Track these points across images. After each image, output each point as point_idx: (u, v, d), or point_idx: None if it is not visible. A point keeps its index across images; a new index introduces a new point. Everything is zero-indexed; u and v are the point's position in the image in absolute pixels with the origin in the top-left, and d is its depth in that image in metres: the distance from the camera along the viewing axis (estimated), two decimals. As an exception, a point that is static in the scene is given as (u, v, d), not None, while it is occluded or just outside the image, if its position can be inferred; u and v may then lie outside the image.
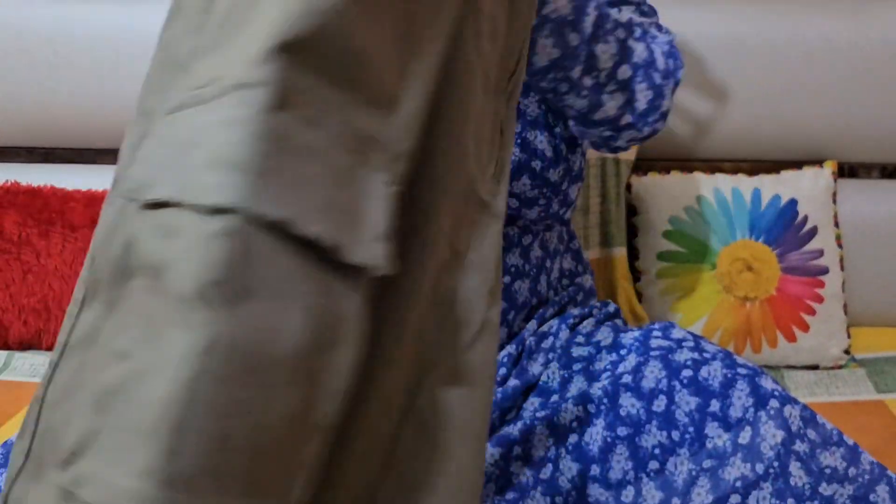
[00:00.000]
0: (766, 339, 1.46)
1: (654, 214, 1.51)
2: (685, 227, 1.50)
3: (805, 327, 1.47)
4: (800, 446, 0.95)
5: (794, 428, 0.96)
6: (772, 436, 0.95)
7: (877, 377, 1.44)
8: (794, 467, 0.96)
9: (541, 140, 1.08)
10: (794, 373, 1.46)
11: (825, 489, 0.95)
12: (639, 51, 1.04)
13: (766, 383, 0.98)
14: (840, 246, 1.52)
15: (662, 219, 1.50)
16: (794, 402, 0.98)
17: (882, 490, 0.99)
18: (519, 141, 1.08)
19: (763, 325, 1.46)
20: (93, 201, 1.53)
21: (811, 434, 0.98)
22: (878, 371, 1.46)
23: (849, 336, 1.50)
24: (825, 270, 1.49)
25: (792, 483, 0.95)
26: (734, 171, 1.56)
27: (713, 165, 1.58)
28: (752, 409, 0.96)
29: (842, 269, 1.51)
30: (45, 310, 1.49)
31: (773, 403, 0.96)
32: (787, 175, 1.53)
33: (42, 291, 1.49)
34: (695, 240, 1.49)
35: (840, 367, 1.48)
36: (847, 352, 1.49)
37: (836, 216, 1.53)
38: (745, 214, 1.49)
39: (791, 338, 1.47)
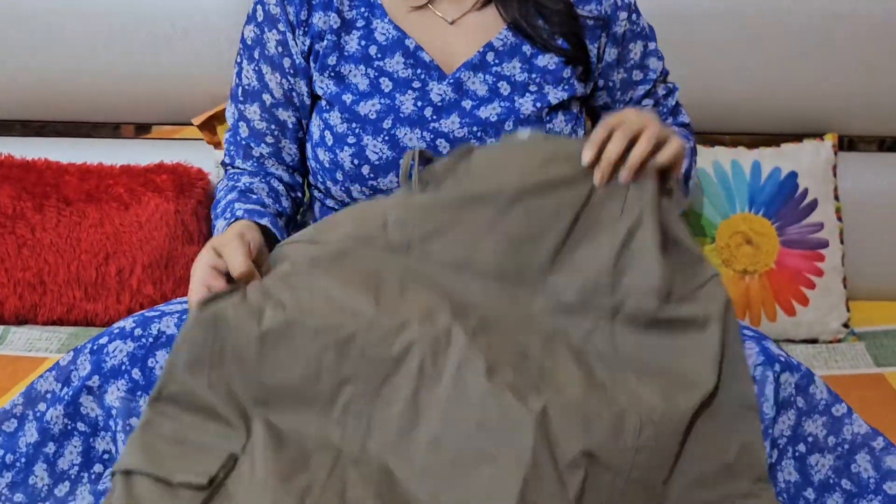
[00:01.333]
0: (766, 313, 1.45)
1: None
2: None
3: (804, 301, 1.46)
4: (786, 414, 0.96)
5: (784, 394, 0.97)
6: (766, 398, 0.96)
7: (876, 350, 1.44)
8: (778, 431, 0.96)
9: (521, 103, 1.11)
10: (792, 347, 1.46)
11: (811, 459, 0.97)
12: None
13: (773, 347, 0.99)
14: (840, 219, 1.51)
15: (661, 192, 1.49)
16: (796, 368, 0.98)
17: (861, 458, 0.99)
18: (508, 105, 1.10)
19: (762, 298, 1.46)
20: (87, 175, 1.52)
21: (799, 402, 0.98)
22: (877, 344, 1.46)
23: (848, 310, 1.49)
24: (825, 244, 1.48)
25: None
26: (734, 144, 1.54)
27: (713, 138, 1.57)
28: (759, 368, 0.97)
29: (841, 242, 1.50)
30: (39, 284, 1.48)
31: (776, 367, 0.97)
32: (788, 148, 1.52)
33: (37, 265, 1.48)
34: (694, 213, 1.48)
35: (839, 340, 1.47)
36: (846, 325, 1.48)
37: (836, 189, 1.52)
38: (745, 187, 1.48)
39: (790, 311, 1.46)
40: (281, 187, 1.20)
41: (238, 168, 1.20)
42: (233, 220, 1.08)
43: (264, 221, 1.08)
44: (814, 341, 1.48)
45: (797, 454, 0.98)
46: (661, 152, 0.96)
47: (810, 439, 0.98)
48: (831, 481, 0.99)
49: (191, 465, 0.86)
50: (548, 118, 1.12)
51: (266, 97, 1.16)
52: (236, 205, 1.11)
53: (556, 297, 0.94)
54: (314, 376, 0.89)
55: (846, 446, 0.99)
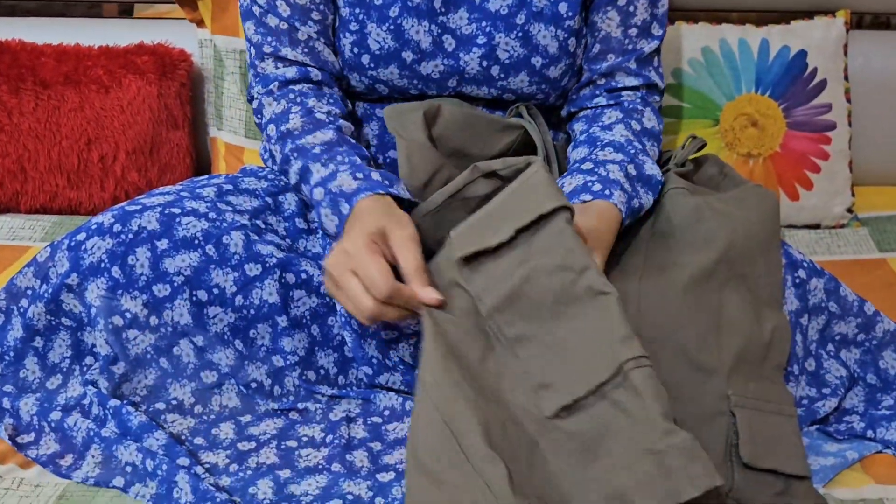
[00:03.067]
0: (768, 198, 1.42)
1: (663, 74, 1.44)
2: (688, 81, 1.43)
3: (809, 185, 1.42)
4: (816, 320, 0.95)
5: (814, 300, 0.95)
6: (791, 301, 0.95)
7: (879, 236, 1.41)
8: (799, 339, 0.95)
9: (544, 35, 1.03)
10: (794, 232, 1.43)
11: (810, 364, 0.96)
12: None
13: (795, 252, 0.98)
14: (849, 101, 1.46)
15: (665, 72, 1.42)
16: (821, 273, 0.97)
17: (888, 355, 0.99)
18: (521, 34, 1.03)
19: (766, 183, 1.42)
20: (64, 56, 1.45)
21: (832, 307, 0.98)
22: (880, 230, 1.43)
23: (853, 195, 1.45)
24: (832, 126, 1.43)
25: (793, 351, 0.96)
26: (741, 22, 1.47)
27: (719, 15, 1.50)
28: (783, 269, 0.95)
29: (849, 124, 1.45)
30: (20, 171, 1.44)
31: (801, 273, 0.96)
32: (798, 25, 1.45)
33: (17, 152, 1.43)
34: (698, 94, 1.42)
35: (842, 226, 1.44)
36: (850, 211, 1.45)
37: (846, 69, 1.46)
38: (752, 67, 1.42)
39: (794, 196, 1.42)
40: (338, 93, 1.07)
41: (283, 72, 1.04)
42: (362, 194, 0.91)
43: (400, 191, 0.93)
44: (816, 227, 1.45)
45: (829, 354, 0.97)
46: None
47: (838, 338, 0.97)
48: (856, 375, 0.99)
49: None
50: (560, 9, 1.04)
51: None
52: (344, 176, 0.93)
53: None
54: None
55: (874, 342, 0.99)
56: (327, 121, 1.02)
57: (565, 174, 1.00)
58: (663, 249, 0.95)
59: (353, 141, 1.01)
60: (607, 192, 0.93)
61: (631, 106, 1.07)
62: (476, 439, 0.73)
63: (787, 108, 1.42)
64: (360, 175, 0.93)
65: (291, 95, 1.04)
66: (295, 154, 0.99)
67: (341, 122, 1.03)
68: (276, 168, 1.05)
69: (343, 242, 0.87)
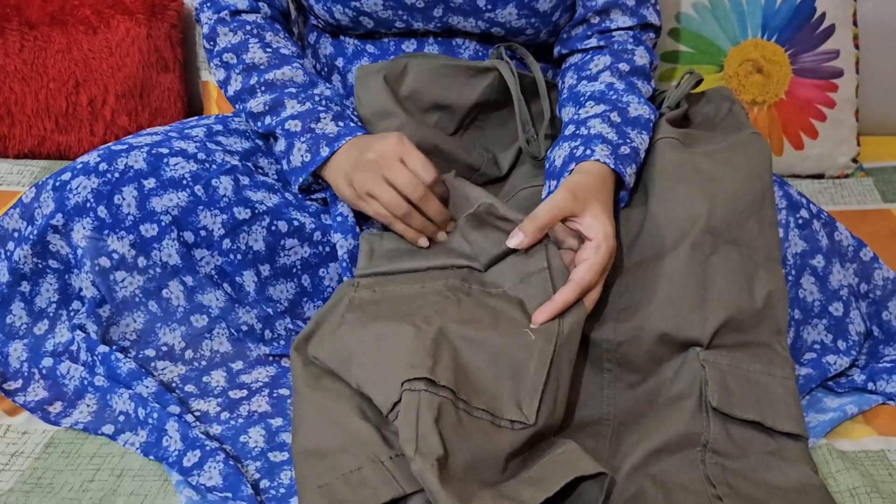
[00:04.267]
0: (772, 147, 1.39)
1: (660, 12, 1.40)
2: (693, 25, 1.39)
3: (814, 134, 1.39)
4: (819, 261, 0.92)
5: (822, 243, 0.92)
6: (795, 244, 0.92)
7: (884, 186, 1.39)
8: (808, 282, 0.93)
9: None
10: (798, 181, 1.40)
11: (836, 308, 0.93)
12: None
13: (794, 192, 0.95)
14: (857, 47, 1.42)
15: (668, 16, 1.39)
16: (819, 215, 0.95)
17: (893, 306, 0.97)
18: None
19: (769, 131, 1.39)
20: (50, -5, 1.41)
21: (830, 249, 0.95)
22: (885, 180, 1.40)
23: (858, 144, 1.42)
24: (839, 73, 1.39)
25: (801, 296, 0.93)
26: (748, -36, 1.43)
27: (726, -43, 1.45)
28: (783, 212, 0.92)
29: (857, 72, 1.42)
30: (7, 114, 1.40)
31: (803, 213, 0.93)
32: (807, -32, 1.41)
33: (2, 95, 1.39)
34: (702, 39, 1.38)
35: (846, 175, 1.42)
36: (855, 160, 1.42)
37: (855, 14, 1.42)
38: (759, 11, 1.38)
39: (798, 145, 1.39)
40: (287, 31, 1.08)
41: (234, 0, 1.04)
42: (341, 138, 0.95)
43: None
44: (820, 176, 1.42)
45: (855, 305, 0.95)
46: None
47: (842, 292, 0.95)
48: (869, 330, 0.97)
49: None
50: None
51: None
52: (326, 119, 0.97)
53: None
54: None
55: (878, 293, 0.96)
56: (293, 56, 1.02)
57: (554, 145, 0.97)
58: (641, 219, 0.92)
59: (322, 80, 1.02)
60: (588, 151, 0.91)
61: (620, 47, 1.03)
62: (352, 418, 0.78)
63: (794, 53, 1.38)
64: (340, 123, 0.96)
65: (248, 27, 1.03)
66: (263, 88, 0.99)
67: (304, 60, 1.03)
68: (226, 92, 1.04)
69: (374, 148, 0.91)
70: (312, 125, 0.96)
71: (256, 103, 0.99)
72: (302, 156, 0.95)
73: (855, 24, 1.42)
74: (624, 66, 1.01)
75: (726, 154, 0.93)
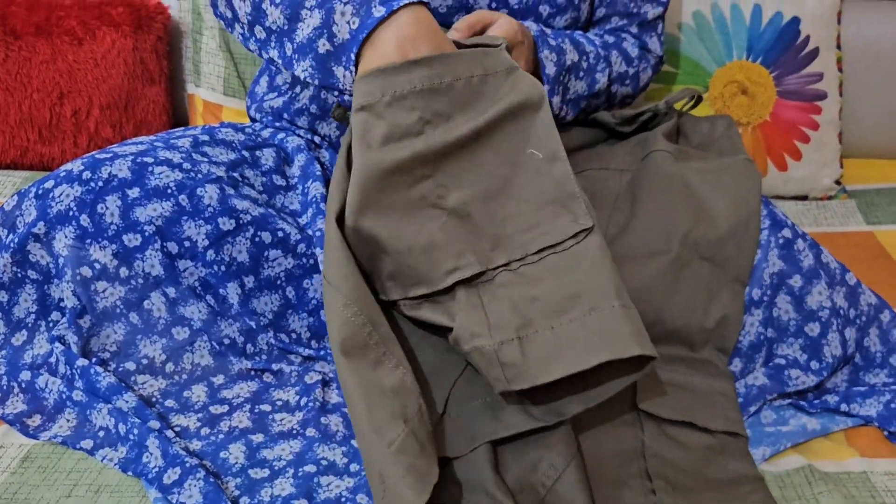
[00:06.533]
0: (756, 168, 1.39)
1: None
2: (678, 46, 1.40)
3: (797, 155, 1.40)
4: (797, 281, 0.92)
5: (804, 264, 0.92)
6: (773, 263, 0.92)
7: (866, 209, 1.39)
8: (783, 301, 0.92)
9: None
10: (781, 203, 1.41)
11: (811, 329, 0.92)
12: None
13: (779, 212, 0.95)
14: (840, 70, 1.43)
15: (655, 37, 1.40)
16: (804, 236, 0.94)
17: (873, 332, 0.96)
18: None
19: (754, 152, 1.39)
20: (35, 6, 1.40)
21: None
22: (868, 203, 1.41)
23: (841, 166, 1.43)
24: (823, 95, 1.40)
25: (775, 315, 0.93)
26: (734, -13, 1.44)
27: (712, -20, 1.46)
28: (765, 232, 0.92)
29: (840, 95, 1.43)
30: (-10, 124, 1.39)
31: (786, 233, 0.93)
32: (791, -9, 1.42)
33: (-15, 104, 1.39)
34: (688, 60, 1.39)
35: (830, 197, 1.43)
36: (838, 182, 1.43)
37: (839, 38, 1.44)
38: (744, 33, 1.39)
39: (782, 166, 1.40)
40: None
41: None
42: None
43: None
44: (803, 198, 1.43)
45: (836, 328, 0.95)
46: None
47: (841, 313, 0.95)
48: (849, 356, 0.96)
49: None
50: None
51: None
52: None
53: None
54: None
55: (863, 318, 0.96)
56: None
57: None
58: (624, 222, 0.94)
59: None
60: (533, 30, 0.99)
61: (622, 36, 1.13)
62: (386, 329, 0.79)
63: (779, 76, 1.39)
64: None
65: None
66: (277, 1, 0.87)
67: None
68: (240, 27, 0.94)
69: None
70: None
71: (279, 12, 0.87)
72: (349, 21, 0.80)
73: (839, 47, 1.44)
74: (609, 38, 1.08)
75: (716, 175, 0.95)
